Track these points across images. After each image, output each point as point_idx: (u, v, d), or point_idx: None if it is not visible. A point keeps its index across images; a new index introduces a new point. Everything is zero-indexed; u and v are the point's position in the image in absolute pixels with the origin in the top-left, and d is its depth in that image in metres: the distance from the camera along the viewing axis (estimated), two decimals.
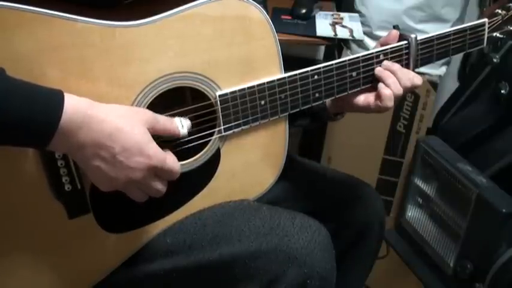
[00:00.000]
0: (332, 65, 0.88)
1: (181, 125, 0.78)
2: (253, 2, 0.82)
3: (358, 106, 0.95)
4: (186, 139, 0.84)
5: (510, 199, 1.29)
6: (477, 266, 1.34)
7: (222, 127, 0.84)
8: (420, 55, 0.95)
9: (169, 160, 0.75)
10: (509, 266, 1.26)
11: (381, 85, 0.91)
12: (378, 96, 0.91)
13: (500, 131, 1.48)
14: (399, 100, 0.93)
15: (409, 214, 1.63)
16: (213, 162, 0.87)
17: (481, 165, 1.43)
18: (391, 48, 0.92)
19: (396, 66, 0.92)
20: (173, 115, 0.83)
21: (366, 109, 0.94)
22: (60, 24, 0.70)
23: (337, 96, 0.92)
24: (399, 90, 0.90)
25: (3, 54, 0.67)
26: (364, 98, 0.94)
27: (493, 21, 1.02)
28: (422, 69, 1.59)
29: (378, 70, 0.92)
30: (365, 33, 1.76)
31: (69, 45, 0.71)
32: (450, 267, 1.44)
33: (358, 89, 0.92)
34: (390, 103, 0.90)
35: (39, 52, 0.69)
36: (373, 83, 0.93)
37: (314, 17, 1.62)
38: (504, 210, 1.26)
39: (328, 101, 0.97)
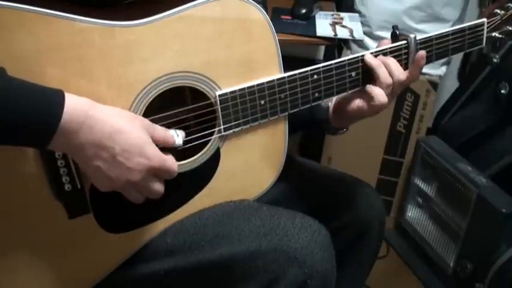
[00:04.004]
0: (331, 64, 0.89)
1: (177, 135, 0.78)
2: (253, 2, 0.82)
3: (355, 114, 0.94)
4: (186, 139, 0.84)
5: (510, 199, 1.29)
6: (477, 266, 1.34)
7: (222, 127, 0.84)
8: None
9: (168, 161, 0.75)
10: (509, 266, 1.26)
11: (369, 86, 0.91)
12: (369, 96, 0.91)
13: (500, 131, 1.48)
14: (393, 93, 0.92)
15: (409, 214, 1.63)
16: (213, 162, 0.87)
17: (481, 165, 1.43)
18: (390, 48, 0.92)
19: (390, 60, 0.91)
20: (173, 114, 0.83)
21: (362, 113, 0.93)
22: (60, 24, 0.70)
23: (336, 96, 0.92)
24: (389, 81, 0.90)
25: (3, 54, 0.67)
26: (357, 103, 0.93)
27: (492, 21, 1.02)
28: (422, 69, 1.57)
29: (369, 57, 0.90)
30: (365, 33, 1.76)
31: (68, 45, 0.71)
32: (450, 267, 1.44)
33: (358, 88, 0.92)
34: (383, 99, 0.90)
35: (39, 52, 0.69)
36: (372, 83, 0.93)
37: (314, 17, 1.62)
38: (504, 210, 1.26)
39: (331, 115, 0.99)
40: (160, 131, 0.77)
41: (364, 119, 0.95)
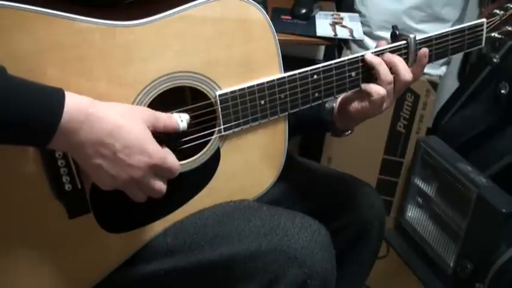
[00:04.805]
0: (331, 64, 0.89)
1: (180, 119, 0.78)
2: (253, 2, 0.82)
3: (359, 115, 0.94)
4: (186, 139, 0.84)
5: (510, 199, 1.30)
6: (477, 266, 1.34)
7: (222, 127, 0.84)
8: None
9: (169, 158, 0.75)
10: (509, 266, 1.26)
11: (364, 84, 0.92)
12: (368, 93, 0.91)
13: (500, 131, 1.48)
14: (396, 92, 0.92)
15: (409, 214, 1.63)
16: (213, 162, 0.87)
17: (481, 165, 1.43)
18: (390, 48, 0.92)
19: (397, 58, 0.91)
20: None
21: (365, 112, 0.93)
22: (60, 23, 0.70)
23: (336, 96, 0.92)
24: (390, 78, 0.90)
25: (3, 54, 0.67)
26: (360, 102, 0.93)
27: (491, 21, 1.02)
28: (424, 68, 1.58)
29: (369, 56, 0.90)
30: (365, 33, 1.76)
31: (69, 45, 0.71)
32: (450, 267, 1.44)
33: (358, 88, 0.93)
34: (382, 91, 0.89)
35: (39, 52, 0.69)
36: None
37: (314, 17, 1.62)
38: (504, 210, 1.26)
39: (336, 117, 0.99)
40: (164, 119, 0.76)
41: (370, 118, 0.95)
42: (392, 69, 0.90)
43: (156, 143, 0.74)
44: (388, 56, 0.91)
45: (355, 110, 0.94)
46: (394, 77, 0.90)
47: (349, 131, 1.02)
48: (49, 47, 0.70)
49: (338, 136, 1.04)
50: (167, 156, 0.75)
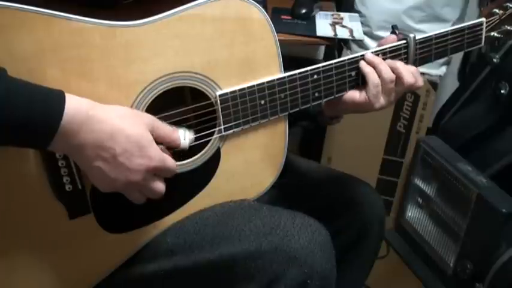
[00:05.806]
0: (331, 64, 0.89)
1: (184, 137, 0.78)
2: (253, 2, 0.82)
3: (352, 106, 0.94)
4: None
5: (510, 199, 1.29)
6: (477, 266, 1.34)
7: (222, 127, 0.84)
8: (419, 54, 0.95)
9: (169, 160, 0.75)
10: (509, 266, 1.26)
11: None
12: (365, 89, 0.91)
13: (500, 131, 1.48)
14: (388, 94, 0.92)
15: (409, 214, 1.63)
16: (213, 162, 0.87)
17: (481, 165, 1.43)
18: (389, 47, 0.92)
19: (398, 63, 0.91)
20: (174, 115, 0.83)
21: (360, 105, 0.93)
22: (60, 24, 0.70)
23: (336, 96, 0.92)
24: (391, 76, 0.90)
25: (4, 54, 0.67)
26: (354, 95, 0.93)
27: (491, 20, 1.02)
28: (422, 69, 1.59)
29: (370, 56, 0.91)
30: (365, 33, 1.76)
31: (69, 45, 0.71)
32: (450, 267, 1.44)
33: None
34: (376, 89, 0.90)
35: (39, 52, 0.69)
36: None
37: (314, 17, 1.62)
38: (504, 210, 1.26)
39: (324, 105, 0.98)
40: (166, 129, 0.76)
41: (361, 112, 0.95)
42: (394, 73, 0.90)
43: (156, 145, 0.74)
44: (389, 61, 0.91)
45: (345, 101, 0.93)
46: (396, 80, 0.90)
47: (338, 118, 1.02)
48: (49, 47, 0.70)
49: (328, 124, 1.03)
50: (166, 158, 0.75)
